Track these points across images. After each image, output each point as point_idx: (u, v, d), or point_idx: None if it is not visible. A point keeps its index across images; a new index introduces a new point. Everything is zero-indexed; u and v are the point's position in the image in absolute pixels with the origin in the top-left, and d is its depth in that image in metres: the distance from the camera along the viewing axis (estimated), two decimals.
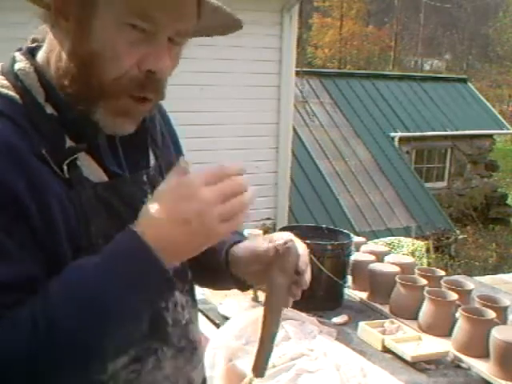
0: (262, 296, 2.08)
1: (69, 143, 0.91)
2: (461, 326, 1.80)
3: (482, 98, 13.85)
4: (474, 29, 30.94)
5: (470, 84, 14.14)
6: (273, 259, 1.00)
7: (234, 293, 2.17)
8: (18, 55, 0.94)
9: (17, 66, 0.92)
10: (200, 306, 2.06)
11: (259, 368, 1.01)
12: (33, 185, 0.83)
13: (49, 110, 0.91)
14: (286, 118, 7.36)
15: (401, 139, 11.69)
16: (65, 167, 0.89)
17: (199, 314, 1.52)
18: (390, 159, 10.95)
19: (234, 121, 6.96)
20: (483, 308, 1.84)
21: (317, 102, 11.42)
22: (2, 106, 0.88)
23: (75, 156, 0.90)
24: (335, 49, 27.95)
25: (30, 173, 0.84)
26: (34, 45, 0.97)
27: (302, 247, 1.05)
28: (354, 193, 10.04)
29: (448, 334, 1.87)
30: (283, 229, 2.29)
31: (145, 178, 1.01)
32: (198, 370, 1.09)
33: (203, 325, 1.92)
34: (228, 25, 1.00)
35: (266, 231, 6.47)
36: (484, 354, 1.73)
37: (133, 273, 0.80)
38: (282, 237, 1.04)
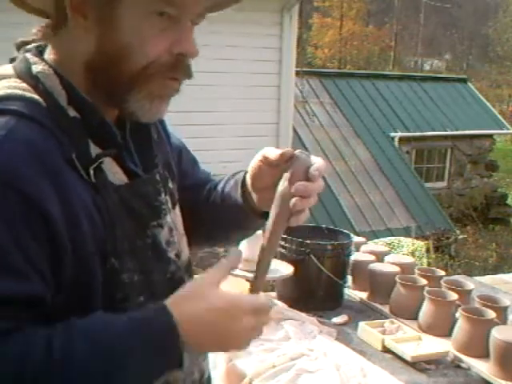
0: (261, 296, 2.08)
1: (92, 147, 0.91)
2: (461, 326, 1.80)
3: (481, 98, 13.85)
4: (474, 29, 30.95)
5: (470, 84, 14.14)
6: (281, 170, 0.98)
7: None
8: (31, 57, 0.92)
9: (35, 69, 0.90)
10: None
11: (257, 281, 1.00)
12: (62, 196, 0.83)
13: (71, 113, 0.90)
14: (286, 118, 7.36)
15: (401, 139, 11.69)
16: (91, 172, 0.89)
17: None
18: (390, 159, 10.95)
19: (234, 121, 6.96)
20: (483, 308, 1.84)
21: (317, 102, 11.42)
22: (29, 109, 0.86)
23: (102, 160, 0.90)
24: (335, 49, 27.95)
25: (59, 183, 0.83)
26: (33, 45, 0.96)
27: (318, 159, 1.00)
28: (354, 193, 10.04)
29: (448, 334, 1.87)
30: None
31: (158, 176, 1.03)
32: (206, 361, 1.12)
33: None
34: None
35: None
36: (484, 354, 1.73)
37: (156, 353, 0.83)
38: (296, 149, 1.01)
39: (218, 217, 1.16)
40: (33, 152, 0.82)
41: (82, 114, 0.90)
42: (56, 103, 0.89)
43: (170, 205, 1.04)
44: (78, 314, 0.83)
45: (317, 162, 0.98)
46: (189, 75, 0.95)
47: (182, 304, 0.85)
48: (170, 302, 0.85)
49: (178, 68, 0.92)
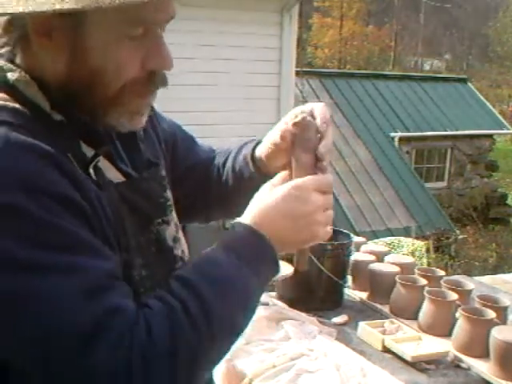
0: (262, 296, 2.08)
1: (84, 147, 0.90)
2: (461, 326, 1.80)
3: (481, 98, 13.86)
4: (474, 29, 30.96)
5: (470, 84, 14.15)
6: (292, 142, 0.98)
7: None
8: (4, 64, 0.89)
9: (11, 77, 0.88)
10: None
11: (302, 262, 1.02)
12: (79, 189, 0.83)
13: (56, 116, 0.89)
14: None
15: (401, 139, 11.70)
16: (91, 170, 0.89)
17: None
18: (390, 159, 10.95)
19: (234, 121, 6.96)
20: (483, 308, 1.84)
21: (317, 102, 11.41)
22: (16, 119, 0.84)
23: (98, 159, 0.91)
24: (335, 49, 27.96)
25: (71, 176, 0.83)
26: (5, 50, 0.91)
27: (318, 109, 1.01)
28: (354, 193, 10.04)
29: (448, 334, 1.87)
30: None
31: (163, 172, 1.04)
32: None
33: None
34: None
35: None
36: (484, 354, 1.73)
37: (257, 262, 0.89)
38: (295, 114, 1.00)
39: (233, 195, 1.16)
40: (42, 155, 0.81)
41: (67, 116, 0.89)
42: (39, 110, 0.87)
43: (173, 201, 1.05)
44: None
45: (320, 114, 0.99)
46: (164, 84, 0.93)
47: (255, 212, 0.91)
48: (246, 215, 0.91)
49: (153, 82, 0.91)
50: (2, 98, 0.87)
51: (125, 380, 0.77)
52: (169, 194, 1.04)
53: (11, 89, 0.87)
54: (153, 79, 0.90)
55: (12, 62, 0.90)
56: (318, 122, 0.98)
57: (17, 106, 0.86)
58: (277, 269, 0.91)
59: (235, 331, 0.88)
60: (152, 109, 1.11)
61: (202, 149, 1.26)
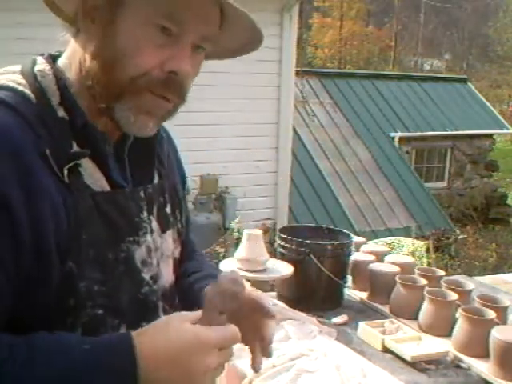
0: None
1: (75, 148, 0.91)
2: (461, 326, 1.80)
3: (481, 98, 13.85)
4: (474, 29, 30.94)
5: (470, 84, 14.14)
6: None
7: None
8: (39, 58, 0.96)
9: (36, 68, 0.93)
10: None
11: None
12: (27, 187, 0.83)
13: (60, 113, 0.91)
14: (285, 118, 7.36)
15: (401, 139, 11.69)
16: (65, 171, 0.88)
17: None
18: (390, 159, 10.94)
19: (234, 121, 6.96)
20: (483, 308, 1.84)
21: (317, 102, 11.41)
22: (13, 100, 0.88)
23: (78, 162, 0.90)
24: (335, 49, 27.94)
25: (25, 171, 0.83)
26: (56, 52, 0.99)
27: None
28: (354, 193, 10.04)
29: (448, 334, 1.87)
30: (283, 229, 2.29)
31: (142, 194, 1.01)
32: None
33: None
34: (247, 42, 1.01)
35: (266, 231, 6.47)
36: (484, 354, 1.73)
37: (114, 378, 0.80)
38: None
39: (186, 299, 1.11)
40: (6, 142, 0.83)
41: (70, 115, 0.91)
42: (47, 101, 0.91)
43: (154, 226, 1.02)
44: (27, 310, 0.84)
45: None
46: (181, 96, 0.94)
47: (148, 336, 0.82)
48: (137, 332, 0.82)
49: (168, 86, 0.91)
50: (18, 82, 0.91)
51: None
52: (145, 215, 1.00)
53: (32, 78, 0.92)
54: (169, 83, 0.90)
55: (50, 59, 0.96)
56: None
57: (26, 91, 0.90)
58: None
59: None
60: (177, 151, 1.17)
61: (190, 235, 1.23)
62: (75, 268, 0.87)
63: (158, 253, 1.02)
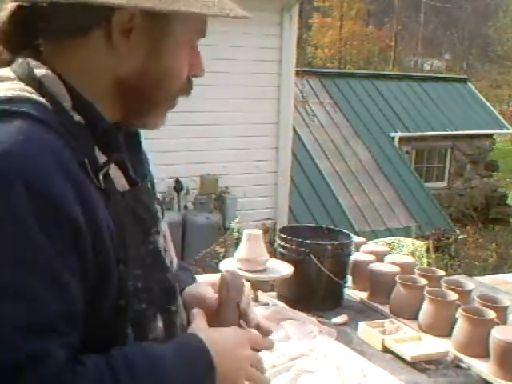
0: (261, 296, 2.08)
1: (97, 152, 0.91)
2: (461, 326, 1.80)
3: (482, 98, 13.85)
4: (474, 29, 30.93)
5: (470, 84, 14.14)
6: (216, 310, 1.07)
7: None
8: (31, 61, 0.91)
9: (38, 73, 0.90)
10: None
11: None
12: (85, 205, 0.83)
13: (76, 117, 0.90)
14: (285, 118, 7.36)
15: (401, 139, 11.69)
16: (101, 177, 0.89)
17: None
18: (390, 159, 10.94)
19: (234, 121, 6.96)
20: (483, 308, 1.84)
21: (317, 101, 11.41)
22: (39, 112, 0.85)
23: (109, 166, 0.92)
24: (335, 49, 27.93)
25: (76, 185, 0.83)
26: (27, 50, 0.94)
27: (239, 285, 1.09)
28: (354, 193, 10.04)
29: (448, 334, 1.87)
30: (283, 229, 2.29)
31: (149, 185, 1.06)
32: None
33: None
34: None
35: (266, 231, 6.46)
36: (484, 354, 1.73)
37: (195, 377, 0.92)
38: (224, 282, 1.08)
39: None
40: (56, 160, 0.82)
41: (87, 119, 0.91)
42: (61, 107, 0.89)
43: (160, 214, 1.06)
44: (91, 318, 0.86)
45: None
46: (190, 92, 1.01)
47: (213, 345, 0.94)
48: (209, 344, 0.94)
49: (190, 88, 1.00)
50: (28, 90, 0.88)
51: None
52: (156, 205, 1.06)
53: (37, 83, 0.89)
54: (191, 85, 0.99)
55: (38, 60, 0.92)
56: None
57: (41, 99, 0.87)
58: None
59: None
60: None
61: None
62: (124, 269, 0.89)
63: (167, 239, 1.06)
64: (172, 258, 1.07)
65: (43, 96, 0.88)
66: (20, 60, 0.92)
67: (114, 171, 0.94)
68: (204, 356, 0.92)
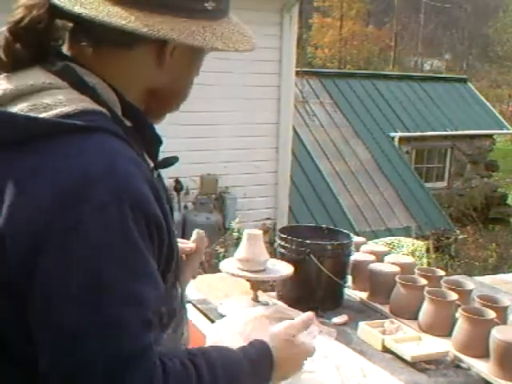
0: (261, 296, 2.08)
1: (145, 156, 1.02)
2: (461, 326, 1.80)
3: (481, 98, 13.84)
4: (474, 29, 30.93)
5: (470, 84, 14.14)
6: None
7: (234, 293, 2.17)
8: (77, 67, 0.95)
9: (91, 81, 0.94)
10: (200, 306, 2.06)
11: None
12: (158, 200, 0.92)
13: (127, 123, 0.98)
14: (286, 118, 7.35)
15: (401, 139, 11.69)
16: (155, 175, 1.02)
17: (199, 314, 1.89)
18: (390, 159, 10.94)
19: (234, 121, 6.96)
20: (483, 308, 1.84)
21: (317, 101, 11.41)
22: (109, 124, 0.92)
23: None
24: (335, 49, 27.93)
25: (155, 192, 0.92)
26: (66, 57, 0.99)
27: None
28: (354, 193, 10.04)
29: (448, 334, 1.87)
30: (283, 229, 2.29)
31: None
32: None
33: (202, 324, 1.92)
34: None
35: (266, 231, 6.46)
36: (484, 354, 1.73)
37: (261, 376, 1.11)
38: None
39: None
40: (140, 171, 0.90)
41: (135, 124, 0.99)
42: (115, 114, 0.95)
43: None
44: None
45: None
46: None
47: (275, 351, 1.15)
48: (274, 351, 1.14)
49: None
50: (87, 101, 0.91)
51: None
52: None
53: (90, 91, 0.93)
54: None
55: (83, 67, 0.96)
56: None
57: (103, 109, 0.93)
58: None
59: None
60: None
61: None
62: (174, 240, 1.00)
63: None
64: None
65: (99, 104, 0.92)
66: (60, 64, 0.94)
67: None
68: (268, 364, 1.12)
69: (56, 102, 0.88)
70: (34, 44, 0.93)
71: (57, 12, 0.92)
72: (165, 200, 0.98)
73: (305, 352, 1.25)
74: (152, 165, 1.02)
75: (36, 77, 0.92)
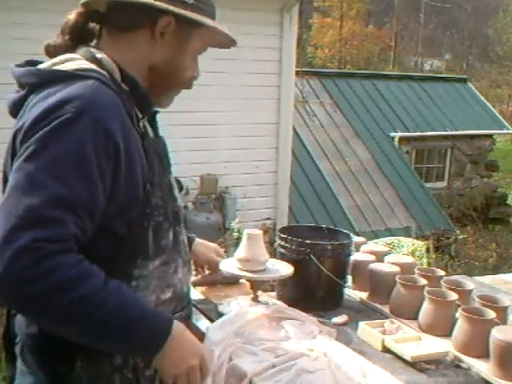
0: (261, 296, 2.08)
1: (136, 110, 1.36)
2: (461, 326, 1.80)
3: (482, 98, 13.83)
4: (474, 29, 30.94)
5: (470, 84, 14.13)
6: None
7: (234, 293, 2.17)
8: (91, 48, 1.37)
9: (98, 55, 1.35)
10: (200, 306, 2.06)
11: None
12: (125, 136, 1.25)
13: (124, 86, 1.35)
14: (286, 118, 7.35)
15: (401, 139, 11.68)
16: (141, 124, 1.37)
17: (198, 313, 1.99)
18: (390, 159, 10.94)
19: (234, 121, 6.96)
20: (483, 308, 1.84)
21: (317, 101, 11.41)
22: (103, 78, 1.29)
23: (144, 119, 1.40)
24: (335, 49, 27.93)
25: (124, 127, 1.26)
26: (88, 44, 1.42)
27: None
28: (354, 193, 10.03)
29: (448, 334, 1.87)
30: (283, 229, 2.29)
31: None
32: (191, 279, 1.65)
33: (202, 324, 1.91)
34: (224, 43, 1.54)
35: (266, 231, 6.46)
36: (484, 354, 1.73)
37: (151, 333, 1.27)
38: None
39: None
40: (114, 107, 1.26)
41: (130, 88, 1.36)
42: (114, 78, 1.34)
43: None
44: (124, 221, 1.29)
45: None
46: (191, 87, 1.52)
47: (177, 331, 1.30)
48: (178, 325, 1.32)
49: (189, 84, 1.49)
50: (93, 65, 1.32)
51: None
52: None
53: (97, 62, 1.34)
54: (190, 81, 1.48)
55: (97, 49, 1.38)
56: None
57: (103, 71, 1.32)
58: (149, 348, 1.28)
59: (93, 332, 1.20)
60: None
61: None
62: (150, 189, 1.33)
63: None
64: (177, 196, 1.49)
65: (103, 70, 1.32)
66: (83, 47, 1.38)
67: (147, 124, 1.42)
68: (168, 323, 1.28)
69: (70, 65, 1.31)
70: (77, 39, 1.40)
71: (90, 17, 1.41)
72: (154, 152, 1.37)
73: (198, 351, 1.35)
74: (140, 116, 1.37)
75: (68, 55, 1.36)
